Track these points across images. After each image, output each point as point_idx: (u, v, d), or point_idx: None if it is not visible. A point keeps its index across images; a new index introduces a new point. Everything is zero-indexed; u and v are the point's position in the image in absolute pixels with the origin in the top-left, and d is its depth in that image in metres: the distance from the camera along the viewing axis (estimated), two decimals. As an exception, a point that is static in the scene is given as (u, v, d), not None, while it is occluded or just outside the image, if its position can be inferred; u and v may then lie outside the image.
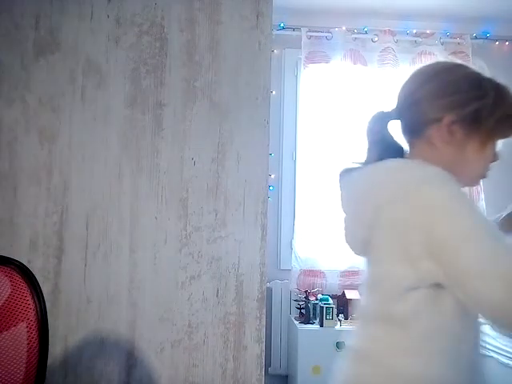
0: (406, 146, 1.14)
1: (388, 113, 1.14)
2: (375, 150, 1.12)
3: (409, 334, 0.99)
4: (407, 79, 1.13)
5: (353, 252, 1.19)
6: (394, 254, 0.99)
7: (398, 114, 1.13)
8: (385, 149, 1.12)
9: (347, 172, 1.16)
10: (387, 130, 1.14)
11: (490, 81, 1.07)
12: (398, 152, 1.14)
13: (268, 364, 3.41)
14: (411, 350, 0.99)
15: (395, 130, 1.15)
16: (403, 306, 0.99)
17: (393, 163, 1.08)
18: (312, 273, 3.47)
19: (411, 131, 1.11)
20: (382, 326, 1.03)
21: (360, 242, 1.11)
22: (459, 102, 1.05)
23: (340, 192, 1.19)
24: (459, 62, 1.12)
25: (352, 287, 3.39)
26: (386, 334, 1.02)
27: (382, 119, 1.14)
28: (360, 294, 1.16)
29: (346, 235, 1.19)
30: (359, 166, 1.13)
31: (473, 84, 1.06)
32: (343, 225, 1.18)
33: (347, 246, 1.19)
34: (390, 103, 1.16)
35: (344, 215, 1.18)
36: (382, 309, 1.03)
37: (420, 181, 0.99)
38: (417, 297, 0.98)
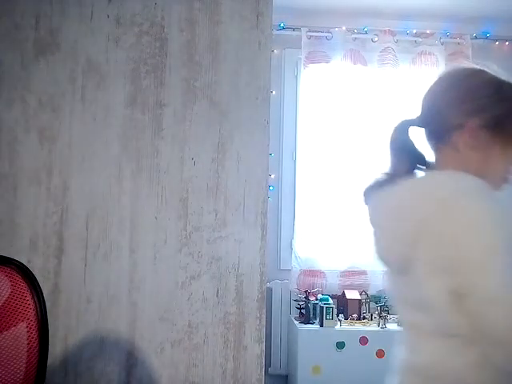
0: (429, 153, 1.14)
1: (412, 121, 1.14)
2: (400, 160, 1.12)
3: (473, 349, 0.98)
4: (430, 87, 1.14)
5: (386, 268, 1.16)
6: (432, 267, 0.99)
7: (422, 121, 1.13)
8: (409, 157, 1.12)
9: (376, 187, 1.14)
10: (410, 138, 1.14)
11: (509, 84, 1.09)
12: (421, 160, 1.14)
13: (268, 364, 3.40)
14: (481, 366, 0.98)
15: (417, 137, 1.15)
16: (456, 319, 0.98)
17: (426, 176, 1.09)
18: (312, 273, 3.47)
19: (437, 138, 1.11)
20: (443, 342, 1.01)
21: (398, 257, 1.08)
22: (483, 106, 1.06)
23: (367, 207, 1.17)
24: (478, 67, 1.12)
25: (352, 287, 3.39)
26: (452, 351, 1.00)
27: (405, 127, 1.14)
28: (400, 310, 1.15)
29: (378, 251, 1.16)
30: (386, 177, 1.13)
31: (495, 88, 1.07)
32: (373, 240, 1.16)
33: (380, 262, 1.16)
34: (411, 111, 1.15)
35: (373, 230, 1.16)
36: (437, 324, 1.01)
37: (455, 194, 0.99)
38: (463, 309, 0.96)
